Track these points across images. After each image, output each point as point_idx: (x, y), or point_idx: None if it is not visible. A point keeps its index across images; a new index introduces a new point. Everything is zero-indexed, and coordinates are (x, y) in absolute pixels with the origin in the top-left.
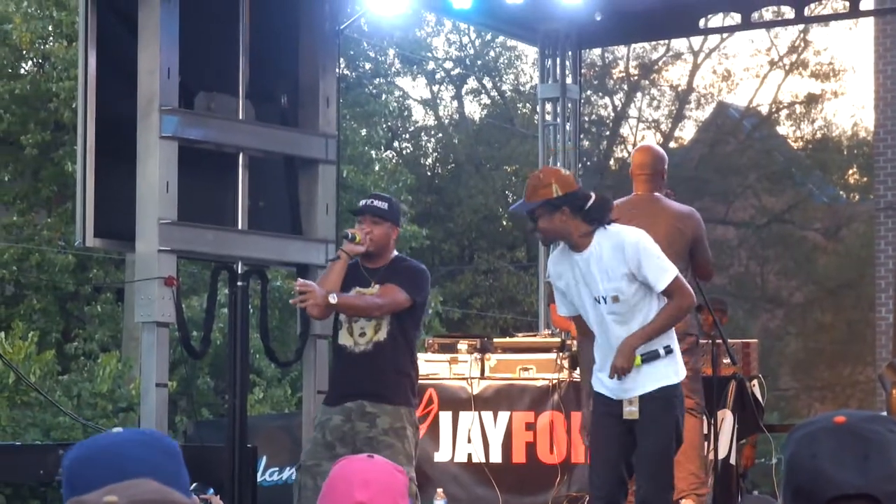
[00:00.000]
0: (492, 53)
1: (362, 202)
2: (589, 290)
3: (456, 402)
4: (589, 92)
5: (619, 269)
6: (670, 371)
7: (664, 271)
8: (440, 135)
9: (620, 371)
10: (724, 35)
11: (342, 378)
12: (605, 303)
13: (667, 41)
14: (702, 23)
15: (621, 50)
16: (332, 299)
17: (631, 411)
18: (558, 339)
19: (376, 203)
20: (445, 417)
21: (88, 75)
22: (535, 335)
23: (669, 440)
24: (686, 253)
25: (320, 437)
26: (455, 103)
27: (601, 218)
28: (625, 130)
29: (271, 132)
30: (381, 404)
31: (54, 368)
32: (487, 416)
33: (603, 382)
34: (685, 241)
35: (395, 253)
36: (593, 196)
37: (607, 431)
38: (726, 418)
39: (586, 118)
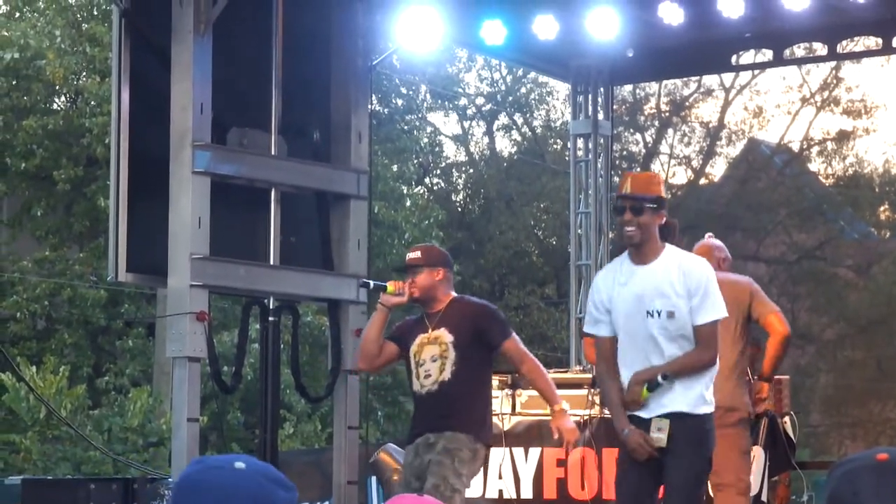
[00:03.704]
0: (523, 90)
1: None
2: (643, 302)
3: None
4: (620, 128)
5: (682, 289)
6: (697, 399)
7: (714, 309)
8: (471, 171)
9: (630, 406)
10: (756, 72)
11: (415, 419)
12: (659, 317)
13: (698, 78)
14: (734, 59)
15: (652, 86)
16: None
17: (658, 438)
18: (589, 376)
19: (410, 255)
20: None
21: (121, 111)
22: (566, 371)
23: (697, 476)
24: (739, 326)
25: (404, 478)
26: (486, 139)
27: (670, 236)
28: (656, 167)
29: (303, 168)
30: (441, 432)
31: (85, 403)
32: (518, 452)
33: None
34: (740, 311)
35: (454, 294)
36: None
37: (634, 468)
38: (758, 455)
39: (617, 154)
